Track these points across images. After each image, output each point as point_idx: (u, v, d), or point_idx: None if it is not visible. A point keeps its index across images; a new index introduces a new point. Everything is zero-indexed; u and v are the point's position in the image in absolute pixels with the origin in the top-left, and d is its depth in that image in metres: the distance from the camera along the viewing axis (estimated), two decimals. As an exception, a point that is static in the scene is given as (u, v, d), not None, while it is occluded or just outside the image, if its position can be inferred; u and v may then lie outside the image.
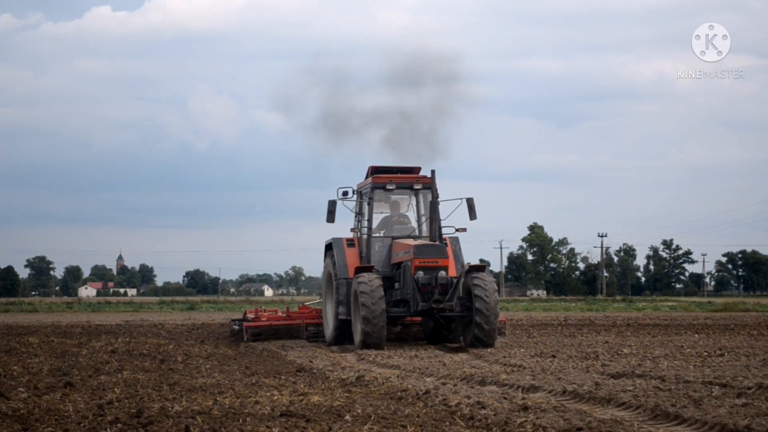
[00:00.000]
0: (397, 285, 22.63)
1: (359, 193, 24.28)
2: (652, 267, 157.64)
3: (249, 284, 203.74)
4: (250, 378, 16.59)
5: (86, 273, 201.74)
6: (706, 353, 20.88)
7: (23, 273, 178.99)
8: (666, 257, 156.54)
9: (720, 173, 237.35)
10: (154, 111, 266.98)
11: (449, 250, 22.78)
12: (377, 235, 23.86)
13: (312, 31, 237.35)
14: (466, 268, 22.27)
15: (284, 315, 27.16)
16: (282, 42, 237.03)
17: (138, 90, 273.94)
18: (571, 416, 10.45)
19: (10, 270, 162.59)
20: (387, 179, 23.44)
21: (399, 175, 23.77)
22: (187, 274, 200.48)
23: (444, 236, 22.77)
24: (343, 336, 23.38)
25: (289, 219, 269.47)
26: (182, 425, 10.21)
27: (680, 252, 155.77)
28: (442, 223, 22.63)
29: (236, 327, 26.49)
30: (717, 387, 12.94)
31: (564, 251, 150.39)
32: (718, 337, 28.09)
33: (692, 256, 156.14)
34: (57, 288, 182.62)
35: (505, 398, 12.18)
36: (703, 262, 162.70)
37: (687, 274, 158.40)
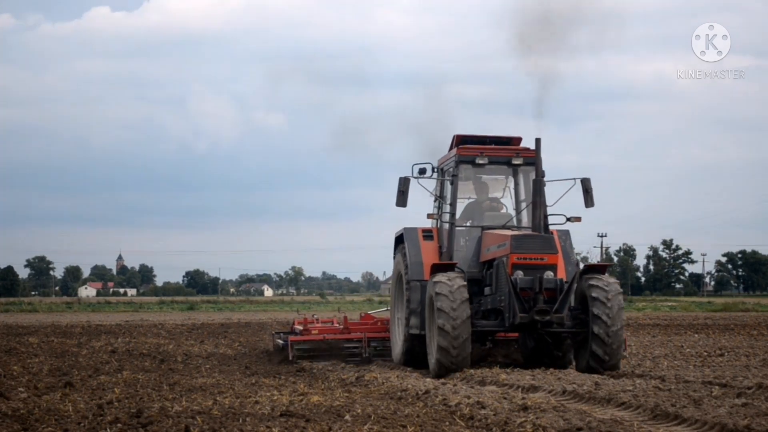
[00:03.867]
0: (487, 290, 17.24)
1: (440, 170, 18.71)
2: (651, 267, 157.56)
3: (249, 284, 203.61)
4: (250, 378, 16.60)
5: (86, 273, 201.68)
6: (706, 353, 20.90)
7: (23, 273, 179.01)
8: (666, 257, 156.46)
9: (720, 173, 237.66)
10: (154, 111, 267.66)
11: (557, 245, 17.41)
12: (463, 224, 18.48)
13: (311, 31, 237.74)
14: (582, 267, 17.10)
15: (341, 327, 21.28)
16: (281, 42, 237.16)
17: (138, 90, 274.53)
18: (571, 416, 10.45)
19: (10, 270, 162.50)
20: (477, 151, 18.00)
21: (493, 146, 18.35)
22: (187, 274, 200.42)
23: (550, 228, 17.56)
24: (414, 355, 17.95)
25: (289, 219, 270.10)
26: (182, 425, 10.22)
27: (680, 252, 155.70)
28: (548, 211, 17.37)
29: (280, 342, 21.24)
30: (717, 387, 12.94)
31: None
32: (718, 337, 28.10)
33: (692, 256, 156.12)
34: (57, 288, 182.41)
35: (505, 398, 12.19)
36: (703, 262, 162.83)
37: (687, 274, 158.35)
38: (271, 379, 16.51)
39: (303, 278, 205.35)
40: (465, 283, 16.41)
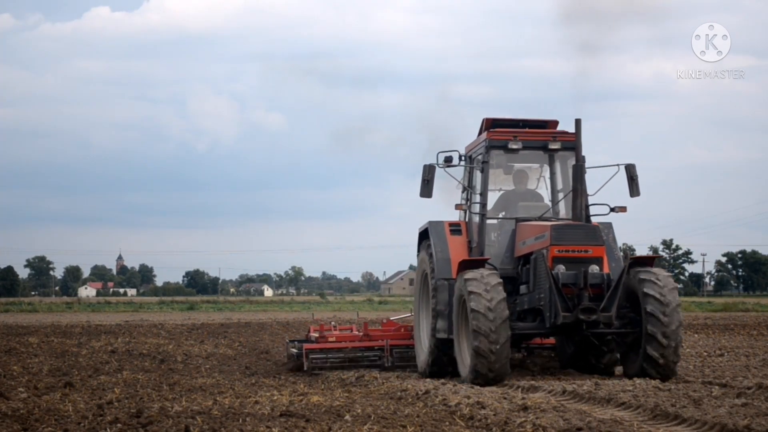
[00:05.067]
0: (523, 288, 15.57)
1: (468, 157, 16.95)
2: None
3: (249, 284, 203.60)
4: (250, 378, 16.61)
5: (86, 273, 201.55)
6: (706, 353, 20.89)
7: (23, 273, 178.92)
8: (666, 257, 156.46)
9: (720, 173, 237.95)
10: (153, 111, 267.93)
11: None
12: (494, 217, 16.69)
13: (311, 30, 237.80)
14: (629, 260, 15.19)
15: (360, 333, 19.20)
16: (281, 42, 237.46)
17: (137, 90, 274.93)
18: (571, 416, 10.44)
19: (10, 270, 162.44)
20: (510, 135, 16.31)
21: (527, 130, 16.62)
22: (187, 274, 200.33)
23: (591, 219, 15.91)
24: (442, 363, 16.17)
25: (289, 219, 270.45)
26: (182, 425, 10.22)
27: (680, 252, 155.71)
28: (590, 200, 15.81)
29: (294, 351, 18.95)
30: (717, 387, 12.94)
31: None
32: (718, 337, 28.10)
33: (692, 256, 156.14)
34: (57, 288, 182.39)
35: (505, 398, 12.18)
36: (703, 262, 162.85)
37: (687, 274, 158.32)
38: (271, 379, 16.52)
39: (303, 278, 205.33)
40: (499, 277, 14.83)
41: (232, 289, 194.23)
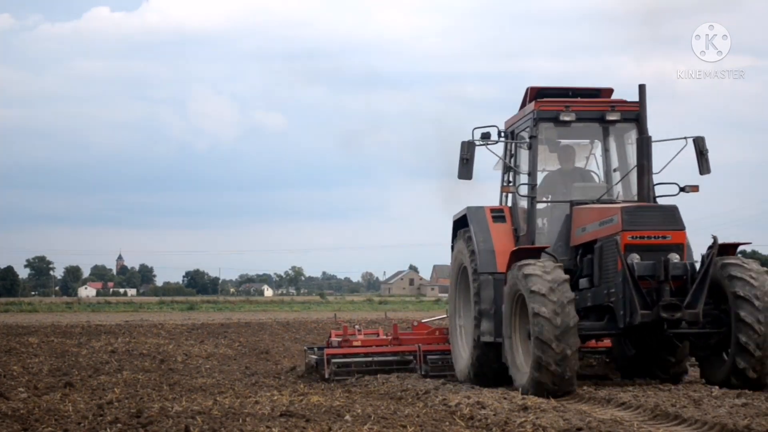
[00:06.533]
0: (584, 282, 13.47)
1: (510, 134, 14.96)
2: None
3: (249, 284, 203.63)
4: (250, 378, 16.62)
5: (86, 273, 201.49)
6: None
7: (23, 273, 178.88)
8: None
9: (720, 173, 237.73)
10: (153, 111, 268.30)
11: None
12: (546, 200, 14.49)
13: (311, 31, 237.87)
14: (716, 247, 12.86)
15: (389, 337, 17.44)
16: (281, 42, 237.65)
17: (137, 90, 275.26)
18: (570, 416, 10.44)
19: (10, 270, 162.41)
20: (561, 105, 14.20)
21: (579, 99, 14.55)
22: (187, 274, 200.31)
23: (657, 201, 13.88)
24: (486, 369, 14.26)
25: (289, 219, 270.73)
26: (182, 425, 10.21)
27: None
28: (655, 179, 13.77)
29: (314, 357, 17.14)
30: (717, 387, 12.92)
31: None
32: (717, 337, 28.08)
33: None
34: (57, 288, 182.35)
35: (505, 398, 12.16)
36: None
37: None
38: (271, 379, 16.52)
39: (303, 278, 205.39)
40: (562, 269, 12.86)
41: (232, 289, 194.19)
